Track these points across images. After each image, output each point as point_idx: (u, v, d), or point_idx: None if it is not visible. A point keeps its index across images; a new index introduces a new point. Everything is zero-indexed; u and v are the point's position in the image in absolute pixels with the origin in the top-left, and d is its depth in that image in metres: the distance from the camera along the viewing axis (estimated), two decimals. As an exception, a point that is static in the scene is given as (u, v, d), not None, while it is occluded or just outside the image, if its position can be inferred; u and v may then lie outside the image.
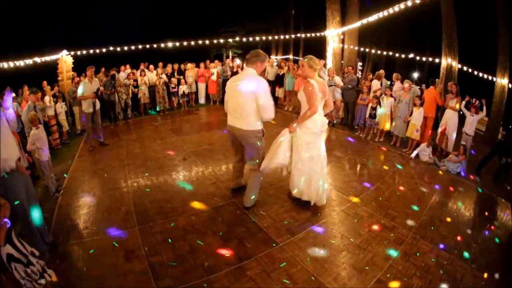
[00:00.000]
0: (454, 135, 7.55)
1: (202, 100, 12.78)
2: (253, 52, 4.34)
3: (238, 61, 13.70)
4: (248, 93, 4.12)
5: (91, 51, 10.47)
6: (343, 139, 8.53)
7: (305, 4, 24.25)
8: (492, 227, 4.77)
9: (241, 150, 4.74)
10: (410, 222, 4.49)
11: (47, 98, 7.90)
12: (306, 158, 4.46)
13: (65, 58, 10.09)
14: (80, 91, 7.47)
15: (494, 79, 10.15)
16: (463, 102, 7.32)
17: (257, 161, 4.43)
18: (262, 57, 4.30)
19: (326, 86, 4.56)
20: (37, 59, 9.01)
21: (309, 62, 4.33)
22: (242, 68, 12.03)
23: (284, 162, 4.46)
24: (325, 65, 11.19)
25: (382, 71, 9.58)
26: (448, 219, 4.74)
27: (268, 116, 4.23)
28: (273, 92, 12.22)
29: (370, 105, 8.36)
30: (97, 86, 7.77)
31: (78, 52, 10.42)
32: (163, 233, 4.11)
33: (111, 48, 10.71)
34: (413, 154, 7.28)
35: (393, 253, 3.79)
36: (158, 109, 11.28)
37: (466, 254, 3.92)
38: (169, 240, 3.93)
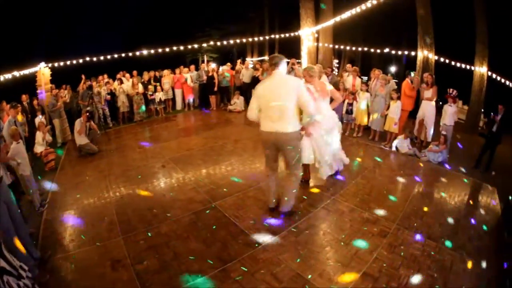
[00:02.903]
0: (432, 126, 7.63)
1: (179, 106, 12.66)
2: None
3: (213, 65, 13.66)
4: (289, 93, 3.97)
5: (68, 62, 10.31)
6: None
7: (279, 4, 24.24)
8: (479, 213, 4.87)
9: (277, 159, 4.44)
10: (393, 214, 4.56)
11: (39, 135, 7.41)
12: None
13: (43, 71, 9.91)
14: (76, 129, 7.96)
15: (472, 68, 10.17)
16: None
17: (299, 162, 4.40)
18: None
19: (325, 85, 5.08)
20: (16, 73, 8.85)
21: (308, 72, 4.88)
22: (217, 72, 12.16)
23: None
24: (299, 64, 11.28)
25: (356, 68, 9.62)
26: (433, 208, 4.81)
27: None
28: (248, 95, 12.30)
29: (346, 101, 8.38)
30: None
31: (56, 64, 10.25)
32: (146, 240, 4.12)
33: (88, 59, 10.55)
34: (393, 147, 7.41)
35: (378, 245, 3.85)
36: (143, 108, 11.18)
37: (454, 242, 3.97)
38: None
